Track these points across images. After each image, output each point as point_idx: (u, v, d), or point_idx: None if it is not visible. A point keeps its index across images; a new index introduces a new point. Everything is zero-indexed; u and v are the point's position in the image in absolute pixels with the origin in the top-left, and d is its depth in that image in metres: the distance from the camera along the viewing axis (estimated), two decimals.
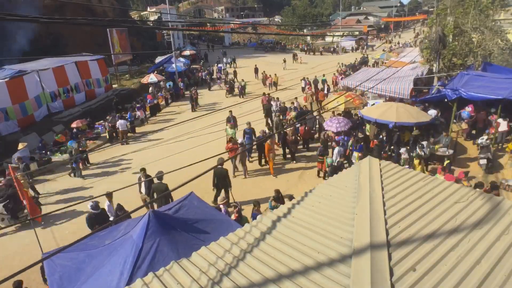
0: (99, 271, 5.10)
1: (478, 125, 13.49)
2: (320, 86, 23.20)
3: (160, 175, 8.83)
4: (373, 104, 15.49)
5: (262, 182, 11.83)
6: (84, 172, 13.55)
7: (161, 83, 26.10)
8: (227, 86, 26.54)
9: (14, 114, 16.37)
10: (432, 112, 13.57)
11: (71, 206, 4.43)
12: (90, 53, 24.88)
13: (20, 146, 13.62)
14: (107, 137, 17.37)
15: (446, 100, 13.03)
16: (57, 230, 9.54)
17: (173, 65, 27.94)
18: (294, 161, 13.22)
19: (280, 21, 79.32)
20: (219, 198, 8.72)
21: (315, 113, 15.81)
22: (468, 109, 13.30)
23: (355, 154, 11.58)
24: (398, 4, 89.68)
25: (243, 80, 27.38)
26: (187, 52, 40.53)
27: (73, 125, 17.24)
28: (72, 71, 21.18)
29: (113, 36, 27.15)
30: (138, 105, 21.09)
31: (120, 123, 16.87)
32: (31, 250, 8.13)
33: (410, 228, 3.51)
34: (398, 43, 50.92)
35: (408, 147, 11.59)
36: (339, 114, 14.81)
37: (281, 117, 15.39)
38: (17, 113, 16.58)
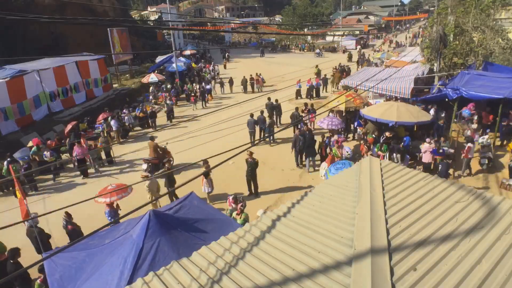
0: (99, 271, 5.10)
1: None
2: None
3: None
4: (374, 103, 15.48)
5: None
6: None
7: (165, 86, 25.68)
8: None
9: (12, 114, 16.39)
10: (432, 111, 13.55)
11: (69, 206, 4.43)
12: (91, 52, 24.91)
13: (30, 143, 13.84)
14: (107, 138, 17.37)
15: (447, 99, 13.01)
16: (57, 230, 9.54)
17: (174, 65, 27.95)
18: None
19: (280, 20, 79.21)
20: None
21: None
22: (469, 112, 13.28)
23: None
24: (399, 3, 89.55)
25: None
26: (187, 52, 40.56)
27: (67, 129, 16.27)
28: (72, 71, 21.19)
29: (113, 35, 27.15)
30: (124, 110, 19.55)
31: (112, 124, 16.88)
32: (33, 249, 8.15)
33: (410, 228, 3.51)
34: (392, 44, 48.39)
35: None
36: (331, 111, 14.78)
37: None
38: (15, 113, 16.60)
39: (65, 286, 5.08)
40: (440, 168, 10.22)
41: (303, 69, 30.55)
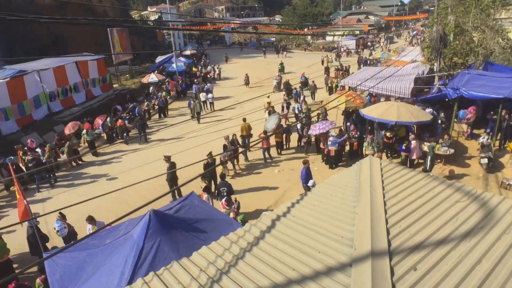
0: (100, 271, 5.10)
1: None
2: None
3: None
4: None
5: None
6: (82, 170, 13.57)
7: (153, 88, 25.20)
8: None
9: (12, 114, 16.40)
10: (430, 111, 13.52)
11: (68, 207, 4.43)
12: (91, 52, 24.87)
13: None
14: (105, 138, 17.35)
15: (447, 99, 13.00)
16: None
17: (174, 65, 27.95)
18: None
19: (280, 20, 79.20)
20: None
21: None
22: (468, 115, 13.26)
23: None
24: (399, 3, 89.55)
25: None
26: (187, 52, 40.56)
27: (67, 131, 16.23)
28: (72, 71, 21.17)
29: (113, 35, 27.14)
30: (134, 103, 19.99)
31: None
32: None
33: (411, 228, 3.51)
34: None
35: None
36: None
37: None
38: (15, 113, 16.59)
39: (66, 286, 5.08)
40: None
41: (300, 69, 30.48)
